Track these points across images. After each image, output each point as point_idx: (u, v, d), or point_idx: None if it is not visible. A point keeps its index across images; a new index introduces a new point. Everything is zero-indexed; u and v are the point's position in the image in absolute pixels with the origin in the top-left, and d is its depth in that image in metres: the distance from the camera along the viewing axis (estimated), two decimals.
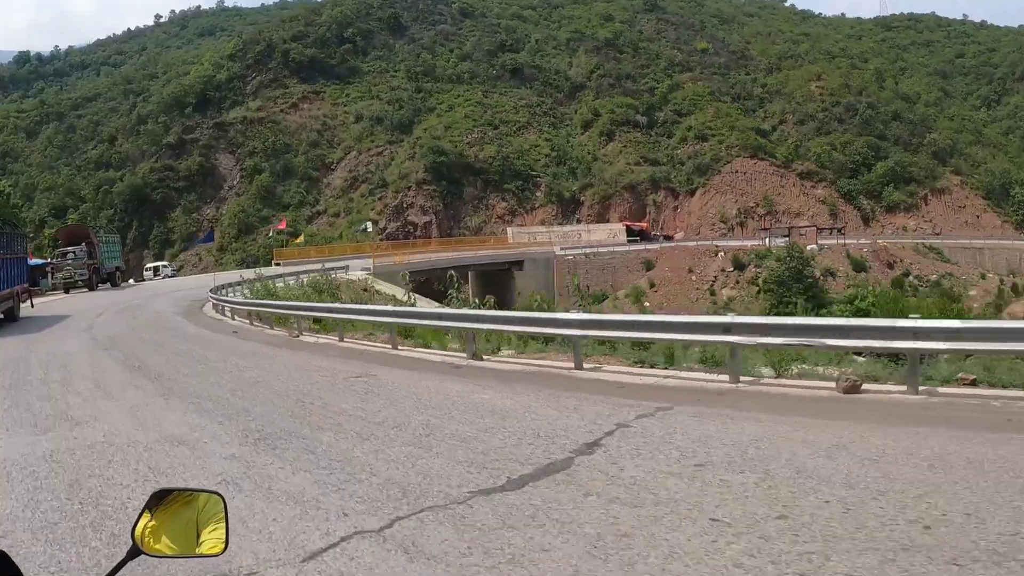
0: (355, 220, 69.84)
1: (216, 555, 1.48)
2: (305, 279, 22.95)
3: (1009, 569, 2.84)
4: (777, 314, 43.11)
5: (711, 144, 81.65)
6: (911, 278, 54.73)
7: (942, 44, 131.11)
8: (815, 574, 2.90)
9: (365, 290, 27.88)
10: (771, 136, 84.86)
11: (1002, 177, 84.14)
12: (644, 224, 72.81)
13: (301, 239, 59.42)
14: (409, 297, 14.17)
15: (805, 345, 6.80)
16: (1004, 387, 6.27)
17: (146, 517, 1.45)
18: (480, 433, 5.58)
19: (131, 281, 47.50)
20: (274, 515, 3.99)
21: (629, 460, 4.60)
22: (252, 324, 17.50)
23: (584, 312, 8.76)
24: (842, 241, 57.04)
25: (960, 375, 6.53)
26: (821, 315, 44.62)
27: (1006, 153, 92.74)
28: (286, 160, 76.70)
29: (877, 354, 7.87)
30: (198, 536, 1.49)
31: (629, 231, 68.87)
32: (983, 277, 57.45)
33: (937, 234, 72.03)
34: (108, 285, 37.94)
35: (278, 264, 45.17)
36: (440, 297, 21.98)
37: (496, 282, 45.47)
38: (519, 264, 50.80)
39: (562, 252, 55.85)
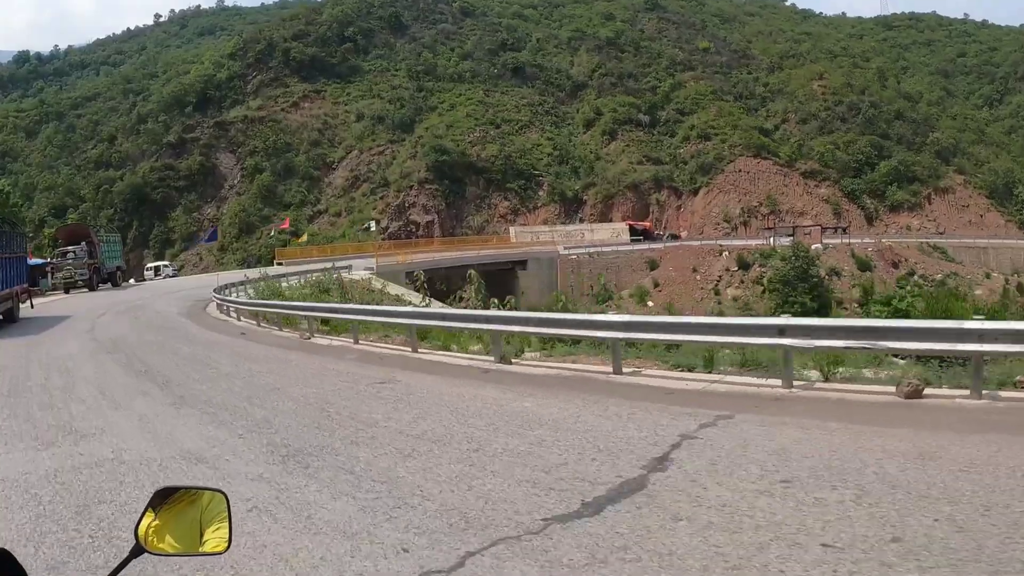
0: (357, 219, 69.48)
1: (219, 553, 1.48)
2: (312, 278, 22.51)
3: None
4: (784, 314, 42.88)
5: (714, 143, 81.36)
6: (916, 277, 54.52)
7: (943, 43, 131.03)
8: None
9: (369, 290, 27.54)
10: (774, 135, 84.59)
11: (1005, 176, 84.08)
12: (647, 223, 72.51)
13: (304, 238, 59.05)
14: (425, 298, 13.73)
15: (866, 348, 6.46)
16: None
17: (149, 515, 1.46)
18: (534, 447, 5.13)
19: (132, 281, 47.16)
20: (321, 552, 3.49)
21: (708, 477, 4.25)
22: (259, 325, 17.08)
23: (625, 314, 8.37)
24: (846, 240, 56.77)
25: (1019, 378, 6.21)
26: (835, 315, 44.42)
27: (1009, 152, 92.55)
28: (287, 159, 76.31)
29: (920, 356, 7.56)
30: (201, 535, 1.49)
31: (632, 230, 68.56)
32: (988, 276, 57.25)
33: (941, 233, 71.84)
34: (109, 285, 37.58)
35: (280, 264, 44.83)
36: (443, 297, 21.59)
37: (499, 282, 45.00)
38: (523, 264, 50.44)
39: (566, 252, 55.53)
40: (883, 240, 61.02)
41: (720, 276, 52.80)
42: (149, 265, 58.18)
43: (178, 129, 79.73)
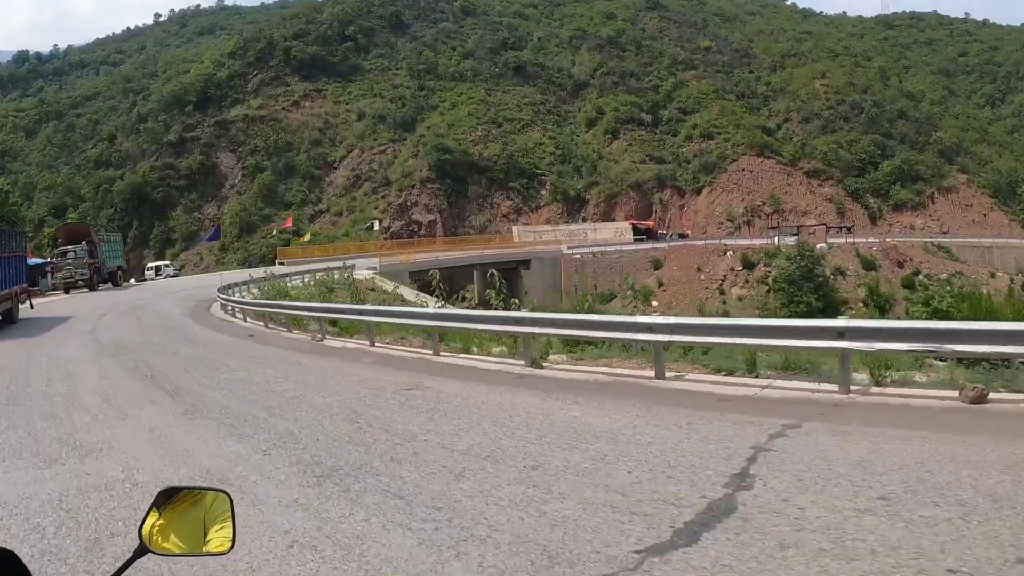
0: (358, 219, 69.15)
1: (223, 553, 1.48)
2: (319, 277, 22.10)
3: None
4: (790, 314, 42.64)
5: (717, 142, 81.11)
6: (921, 277, 54.31)
7: (945, 42, 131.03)
8: None
9: (372, 289, 27.18)
10: (776, 134, 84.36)
11: (1008, 175, 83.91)
12: (650, 223, 72.21)
13: (307, 237, 58.70)
14: (441, 298, 13.30)
15: (931, 351, 6.15)
16: None
17: (153, 515, 1.45)
18: (597, 464, 4.67)
19: (132, 281, 46.80)
20: None
21: (800, 496, 3.88)
22: (267, 327, 16.67)
23: (671, 316, 8.00)
24: (851, 240, 56.50)
25: None
26: (834, 316, 44.11)
27: (1012, 152, 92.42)
28: (288, 158, 75.95)
29: (962, 359, 7.23)
30: (205, 535, 1.49)
31: (635, 230, 68.26)
32: (993, 276, 56.96)
33: (945, 233, 71.58)
34: (109, 285, 37.19)
35: (282, 263, 44.47)
36: (446, 297, 21.22)
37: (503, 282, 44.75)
38: (526, 263, 50.08)
39: (569, 251, 55.22)
40: (887, 239, 60.72)
41: (725, 276, 52.50)
42: (150, 265, 57.81)
43: (178, 128, 79.39)
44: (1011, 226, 76.86)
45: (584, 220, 73.95)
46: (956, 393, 5.89)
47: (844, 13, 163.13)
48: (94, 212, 70.80)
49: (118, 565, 1.38)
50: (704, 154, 79.80)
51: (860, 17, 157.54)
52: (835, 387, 6.47)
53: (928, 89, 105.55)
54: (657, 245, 60.58)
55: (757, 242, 57.54)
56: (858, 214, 76.43)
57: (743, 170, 77.84)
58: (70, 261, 34.87)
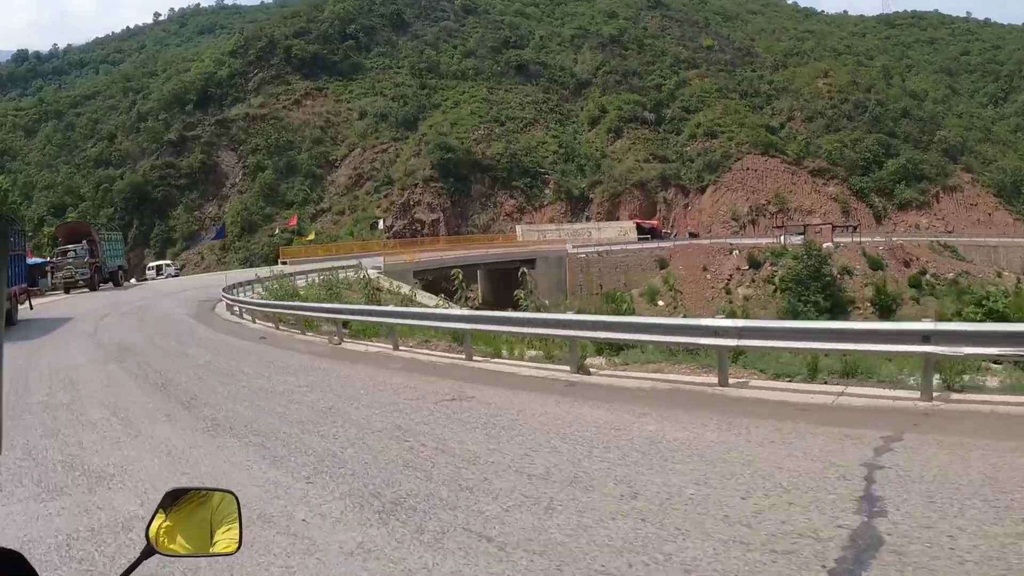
0: (360, 218, 68.69)
1: (230, 554, 1.49)
2: (327, 277, 21.57)
3: None
4: (796, 314, 42.16)
5: (721, 141, 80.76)
6: (928, 276, 54.00)
7: (946, 42, 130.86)
8: None
9: (379, 289, 26.73)
10: (780, 133, 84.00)
11: (1013, 174, 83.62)
12: (655, 222, 71.81)
13: (311, 235, 58.22)
14: (463, 301, 12.77)
15: (1020, 356, 5.71)
16: None
17: (160, 516, 1.46)
18: (702, 488, 4.14)
19: (133, 281, 46.32)
20: None
21: (942, 521, 3.46)
22: (278, 329, 16.08)
23: (740, 318, 7.52)
24: (857, 239, 56.12)
25: None
26: (840, 317, 43.66)
27: (1016, 150, 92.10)
28: (289, 157, 75.43)
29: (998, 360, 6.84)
30: (212, 535, 1.49)
31: (639, 229, 67.85)
32: (999, 275, 56.58)
33: (950, 232, 71.24)
34: (110, 285, 36.69)
35: (284, 263, 43.99)
36: (449, 297, 20.81)
37: (507, 282, 44.33)
38: (531, 263, 49.61)
39: (574, 250, 54.77)
40: (894, 239, 60.39)
41: (731, 275, 52.10)
42: (150, 264, 57.27)
43: (179, 127, 78.87)
44: (1016, 225, 76.49)
45: (588, 219, 73.49)
46: None
47: (845, 12, 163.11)
48: (94, 211, 70.28)
49: (125, 567, 1.35)
50: (708, 153, 79.43)
51: (861, 16, 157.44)
52: (913, 394, 6.06)
53: (931, 88, 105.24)
54: (663, 244, 60.20)
55: (763, 241, 57.15)
56: (863, 213, 76.07)
57: (747, 169, 77.46)
58: (70, 261, 34.34)
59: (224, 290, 22.40)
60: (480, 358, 10.01)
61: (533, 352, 9.71)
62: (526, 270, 11.72)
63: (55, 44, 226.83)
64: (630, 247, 59.19)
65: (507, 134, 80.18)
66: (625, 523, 3.69)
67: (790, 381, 6.93)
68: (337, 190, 75.28)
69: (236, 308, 20.33)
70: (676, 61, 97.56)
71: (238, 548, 1.48)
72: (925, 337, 5.84)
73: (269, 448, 5.70)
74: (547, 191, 76.16)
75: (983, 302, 14.57)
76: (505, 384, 7.99)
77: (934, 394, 5.98)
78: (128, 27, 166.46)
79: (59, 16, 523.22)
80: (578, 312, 8.71)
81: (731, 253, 54.24)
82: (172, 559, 1.58)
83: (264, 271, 29.08)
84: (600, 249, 56.86)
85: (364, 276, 20.26)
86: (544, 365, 9.09)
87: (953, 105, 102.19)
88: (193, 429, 6.57)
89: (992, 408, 5.66)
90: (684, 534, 3.49)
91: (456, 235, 64.54)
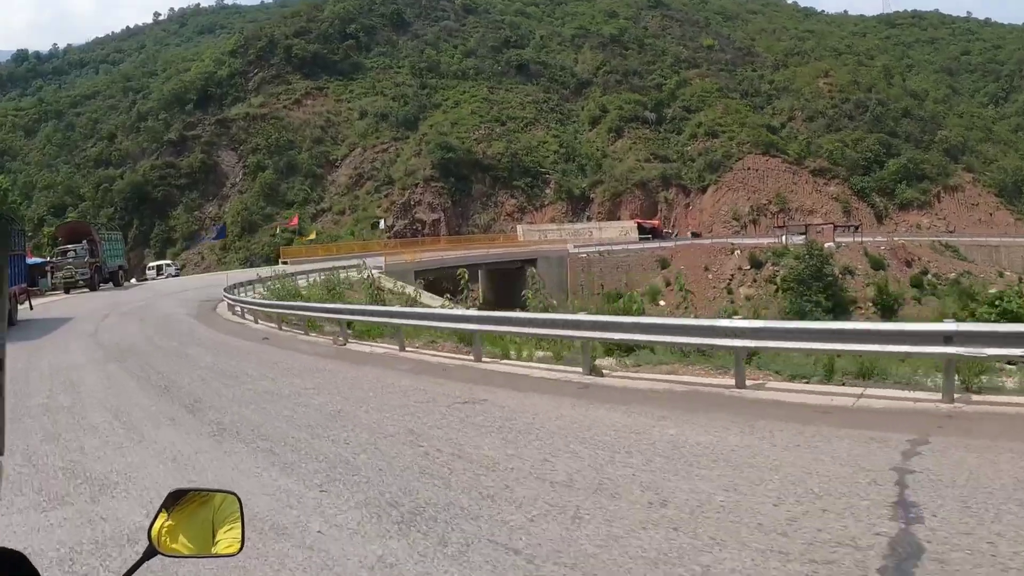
0: (361, 218, 68.59)
1: (232, 555, 1.48)
2: (329, 277, 21.43)
3: None
4: (802, 314, 42.01)
5: (721, 141, 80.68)
6: (930, 276, 53.93)
7: (947, 41, 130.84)
8: None
9: (381, 289, 26.60)
10: (781, 133, 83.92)
11: (1014, 174, 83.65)
12: (656, 222, 71.72)
13: (313, 235, 58.10)
14: (468, 301, 12.62)
15: None
16: None
17: (163, 517, 1.46)
18: (731, 495, 4.00)
19: (133, 281, 46.20)
20: None
21: (980, 527, 3.37)
22: (281, 329, 15.92)
23: (756, 319, 7.40)
24: (859, 239, 56.05)
25: None
26: (842, 317, 43.48)
27: (1017, 150, 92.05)
28: (289, 157, 75.31)
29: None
30: (214, 536, 1.49)
31: (641, 229, 67.77)
32: (1001, 275, 56.48)
33: (951, 232, 71.19)
34: (110, 285, 36.57)
35: (285, 263, 43.89)
36: (454, 296, 20.68)
37: (508, 281, 44.24)
38: (532, 263, 49.50)
39: (575, 250, 54.67)
40: (895, 238, 60.34)
41: (732, 275, 52.01)
42: (151, 264, 57.15)
43: (179, 127, 78.74)
44: (1017, 225, 76.43)
45: (589, 219, 73.39)
46: None
47: (845, 12, 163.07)
48: (94, 211, 70.14)
49: (127, 567, 1.35)
50: (709, 152, 79.34)
51: (862, 16, 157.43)
52: (933, 395, 5.96)
53: (932, 88, 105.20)
54: (664, 244, 60.12)
55: (764, 241, 57.06)
56: (864, 213, 75.99)
57: (748, 169, 77.37)
58: (70, 260, 34.21)
59: (225, 290, 22.28)
60: (489, 359, 9.86)
61: (542, 353, 9.60)
62: (534, 270, 11.53)
63: (55, 44, 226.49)
64: (631, 247, 59.10)
65: (508, 134, 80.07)
66: (657, 533, 3.54)
67: (807, 383, 6.81)
68: (337, 190, 75.16)
69: (238, 308, 20.21)
70: (677, 61, 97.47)
71: (240, 549, 1.47)
72: (947, 338, 5.73)
73: (278, 454, 5.53)
74: (548, 191, 76.06)
75: (996, 302, 14.42)
76: (517, 386, 7.82)
77: (955, 395, 5.88)
78: (128, 27, 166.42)
79: (59, 16, 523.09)
80: (589, 312, 8.57)
81: (732, 253, 54.15)
82: (174, 559, 1.56)
83: (266, 271, 28.96)
84: (601, 249, 56.78)
85: (368, 276, 19.99)
86: (555, 367, 8.94)
87: (954, 105, 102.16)
88: (198, 434, 6.38)
89: (1016, 410, 5.55)
90: (720, 544, 3.35)
91: (457, 235, 64.44)
